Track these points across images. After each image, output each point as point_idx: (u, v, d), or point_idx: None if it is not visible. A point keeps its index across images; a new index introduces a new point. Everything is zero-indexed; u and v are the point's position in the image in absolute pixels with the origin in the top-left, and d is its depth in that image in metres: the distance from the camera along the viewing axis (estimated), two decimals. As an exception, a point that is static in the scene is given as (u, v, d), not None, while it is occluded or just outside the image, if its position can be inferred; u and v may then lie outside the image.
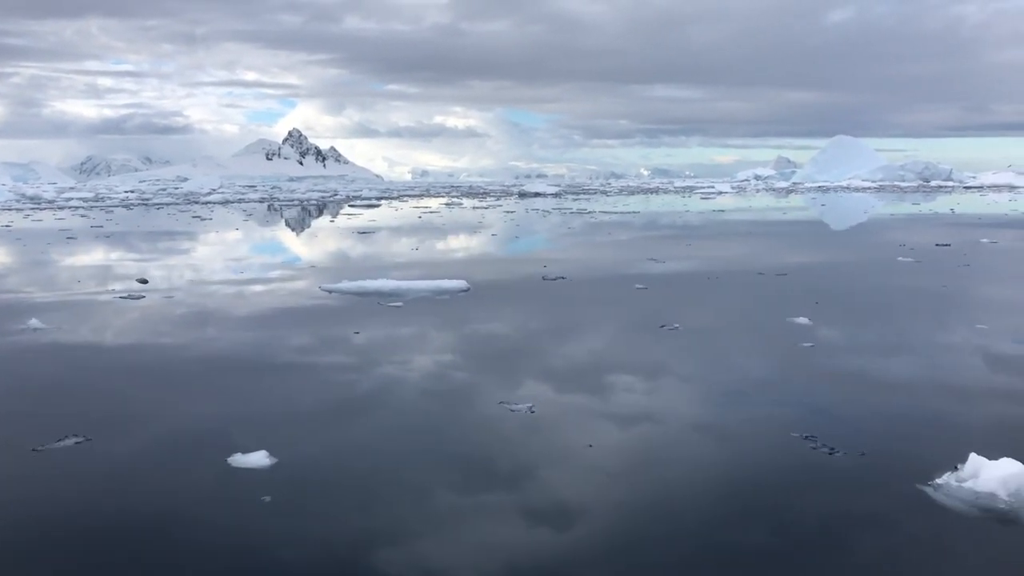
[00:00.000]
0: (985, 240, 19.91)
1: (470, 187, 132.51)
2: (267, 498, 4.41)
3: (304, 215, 39.19)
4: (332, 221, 34.14)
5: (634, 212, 38.97)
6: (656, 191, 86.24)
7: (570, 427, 5.64)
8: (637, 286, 12.37)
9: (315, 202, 55.82)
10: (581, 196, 70.13)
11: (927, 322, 9.60)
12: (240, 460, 4.90)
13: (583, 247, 20.34)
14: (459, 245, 21.11)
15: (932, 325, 9.42)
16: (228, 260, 17.30)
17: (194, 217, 35.44)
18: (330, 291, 12.10)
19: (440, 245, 21.05)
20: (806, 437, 5.28)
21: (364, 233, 24.87)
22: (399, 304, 10.81)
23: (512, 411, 5.92)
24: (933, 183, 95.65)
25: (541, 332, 9.30)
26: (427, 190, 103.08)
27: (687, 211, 39.93)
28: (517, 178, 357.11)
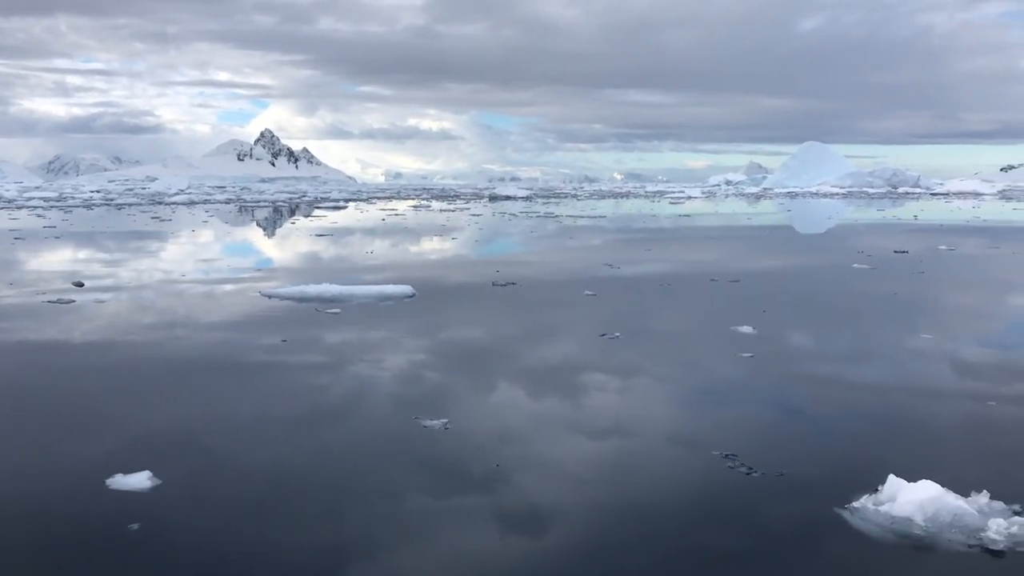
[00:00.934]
0: (943, 247, 19.90)
1: (442, 190, 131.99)
2: (135, 526, 4.08)
3: (267, 217, 38.64)
4: (293, 223, 33.66)
5: (600, 216, 38.83)
6: (627, 195, 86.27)
7: (481, 445, 5.35)
8: (586, 292, 12.14)
9: (282, 204, 55.15)
10: (551, 200, 69.95)
11: (871, 332, 9.43)
12: (120, 482, 4.57)
13: (541, 252, 20.10)
14: (416, 249, 20.79)
15: (876, 335, 9.25)
16: (174, 263, 16.86)
17: (153, 218, 34.82)
18: (269, 296, 11.75)
19: (396, 249, 20.70)
20: (726, 456, 5.04)
21: (321, 236, 24.46)
22: (337, 311, 10.48)
23: (425, 427, 5.63)
24: (901, 189, 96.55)
25: (475, 342, 9.01)
26: (398, 192, 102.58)
27: (654, 216, 39.87)
28: (491, 181, 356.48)
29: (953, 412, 6.16)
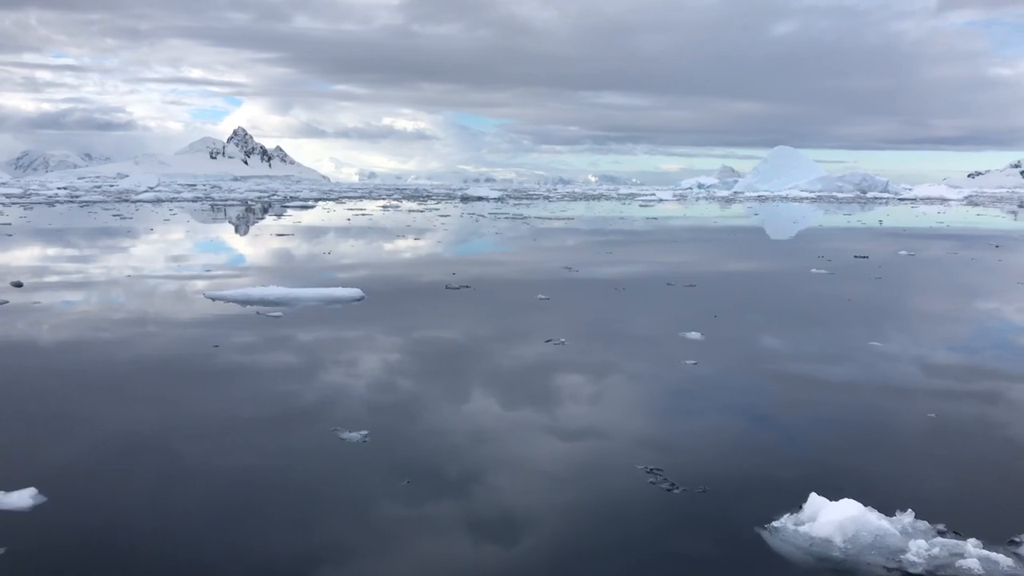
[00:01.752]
0: (903, 252, 19.93)
1: (415, 190, 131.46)
2: (2, 550, 3.80)
3: (230, 216, 38.07)
4: (256, 223, 33.18)
5: (569, 218, 38.67)
6: (599, 197, 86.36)
7: (398, 459, 5.11)
8: (540, 296, 11.94)
9: (250, 202, 54.51)
10: (523, 201, 69.77)
11: (817, 340, 9.29)
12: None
13: (502, 254, 19.88)
14: (375, 250, 20.48)
15: (822, 343, 9.10)
16: (123, 263, 16.44)
17: (115, 216, 34.19)
18: (213, 298, 11.43)
19: (355, 250, 20.38)
20: (651, 470, 4.84)
21: (281, 236, 24.08)
22: (279, 314, 10.19)
23: (343, 439, 5.38)
24: (870, 194, 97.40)
25: (417, 347, 8.76)
26: (370, 192, 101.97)
27: (622, 218, 39.79)
28: (466, 182, 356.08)
29: (892, 424, 6.01)
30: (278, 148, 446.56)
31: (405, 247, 21.04)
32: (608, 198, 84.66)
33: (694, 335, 9.10)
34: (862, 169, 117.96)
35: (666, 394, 6.82)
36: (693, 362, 7.82)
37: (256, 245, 21.86)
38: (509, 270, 16.07)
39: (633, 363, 7.96)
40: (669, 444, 5.41)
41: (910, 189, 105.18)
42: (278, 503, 4.45)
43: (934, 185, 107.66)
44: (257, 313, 10.27)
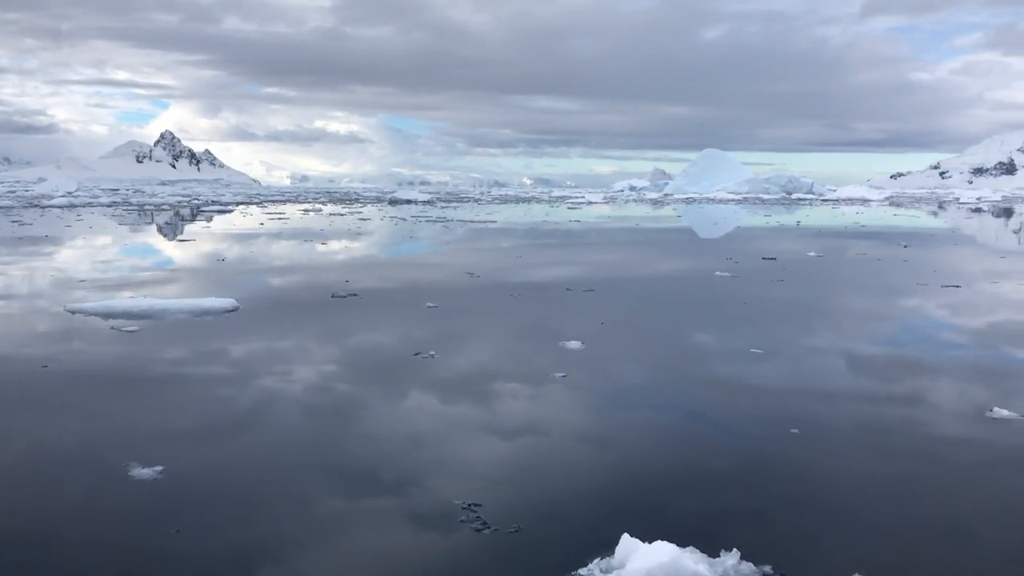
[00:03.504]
0: (812, 253, 19.93)
1: (346, 193, 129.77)
2: None
3: (139, 222, 36.61)
4: (163, 228, 31.92)
5: (492, 221, 38.20)
6: (530, 200, 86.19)
7: (185, 502, 4.51)
8: (428, 304, 11.40)
9: (166, 207, 52.75)
10: (452, 204, 69.16)
11: (699, 349, 8.93)
12: None
13: (405, 258, 19.29)
14: (273, 256, 19.66)
15: (702, 353, 8.74)
16: (-5, 273, 15.39)
17: (14, 222, 32.55)
18: (73, 311, 10.61)
19: (252, 256, 19.54)
20: (468, 506, 4.34)
21: (184, 242, 23.11)
22: (135, 328, 9.44)
23: (131, 477, 4.75)
24: (795, 196, 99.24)
25: (270, 364, 8.08)
26: (298, 196, 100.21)
27: (545, 221, 39.47)
28: (400, 185, 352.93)
29: (745, 447, 5.61)
30: (207, 151, 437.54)
31: (307, 253, 20.27)
32: (539, 200, 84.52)
33: (573, 344, 8.67)
34: (788, 171, 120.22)
35: (518, 414, 6.34)
36: (562, 375, 7.38)
37: (147, 252, 20.82)
38: (408, 276, 15.48)
39: (498, 378, 7.47)
40: (497, 475, 4.92)
41: (834, 190, 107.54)
42: (33, 552, 3.82)
43: (857, 186, 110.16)
44: (112, 328, 9.50)
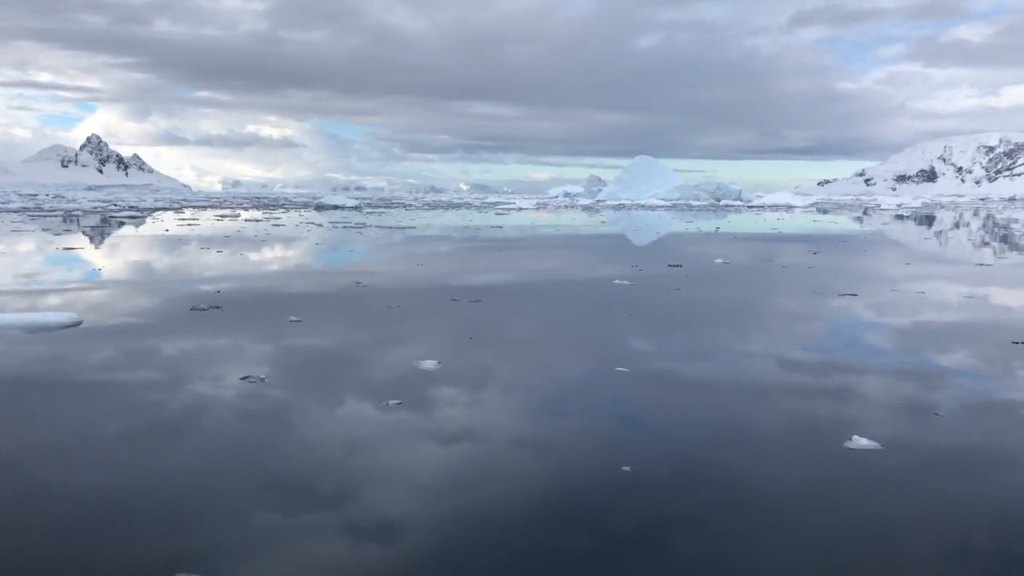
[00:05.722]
0: (719, 260, 19.53)
1: (275, 199, 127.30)
2: None
3: (35, 228, 34.70)
4: (56, 236, 30.19)
5: (411, 227, 37.30)
6: (460, 206, 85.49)
7: None
8: (291, 318, 10.54)
9: (80, 213, 50.48)
10: (379, 210, 68.06)
11: (562, 369, 8.21)
12: None
13: (294, 267, 18.27)
14: (148, 265, 18.49)
15: (564, 373, 8.02)
16: None
17: None
18: None
19: (124, 265, 18.36)
20: (188, 582, 3.53)
21: (69, 249, 21.72)
22: (-63, 349, 8.39)
23: None
24: (723, 202, 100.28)
25: (80, 388, 7.15)
26: (223, 201, 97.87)
27: (466, 227, 38.73)
28: (335, 190, 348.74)
29: (565, 485, 4.93)
30: (136, 156, 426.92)
31: (191, 262, 19.13)
32: (469, 206, 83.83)
33: (428, 364, 7.92)
34: (718, 178, 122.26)
35: (327, 455, 5.53)
36: (397, 402, 6.61)
37: (21, 261, 19.37)
38: (286, 286, 14.52)
39: (331, 405, 6.65)
40: (215, 540, 4.11)
41: (761, 197, 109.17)
42: None
43: (784, 193, 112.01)
44: (-90, 349, 8.42)
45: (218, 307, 11.54)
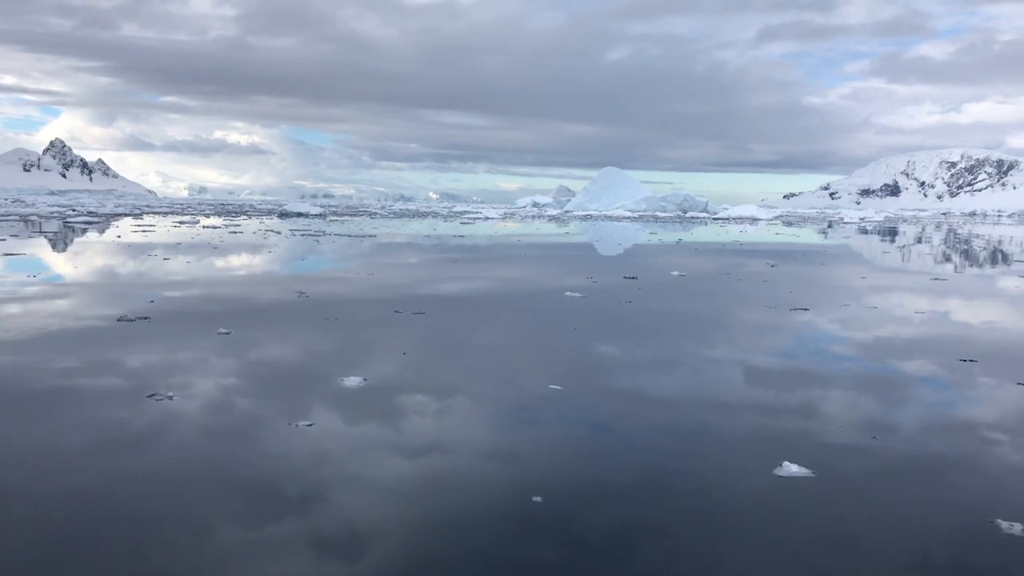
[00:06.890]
0: (676, 272, 19.30)
1: (240, 205, 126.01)
2: None
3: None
4: (0, 241, 29.31)
5: (372, 236, 36.81)
6: (427, 215, 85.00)
7: None
8: (220, 331, 10.09)
9: (35, 219, 49.29)
10: (344, 218, 67.42)
11: (496, 389, 7.84)
12: None
13: (238, 276, 17.73)
14: (86, 272, 17.86)
15: (493, 395, 7.65)
16: None
17: None
18: None
19: (60, 272, 17.73)
20: None
21: (7, 256, 20.98)
22: None
23: None
24: (689, 214, 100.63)
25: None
26: (186, 208, 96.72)
27: (428, 236, 38.30)
28: (303, 197, 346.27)
29: (478, 514, 4.56)
30: (100, 161, 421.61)
31: (134, 269, 18.53)
32: (436, 215, 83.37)
33: (352, 381, 7.53)
34: (685, 190, 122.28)
35: (220, 482, 5.11)
36: (308, 423, 6.21)
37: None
38: (225, 296, 14.01)
39: (226, 428, 6.22)
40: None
41: (727, 209, 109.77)
42: None
43: (749, 206, 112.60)
44: None
45: (146, 318, 11.06)
